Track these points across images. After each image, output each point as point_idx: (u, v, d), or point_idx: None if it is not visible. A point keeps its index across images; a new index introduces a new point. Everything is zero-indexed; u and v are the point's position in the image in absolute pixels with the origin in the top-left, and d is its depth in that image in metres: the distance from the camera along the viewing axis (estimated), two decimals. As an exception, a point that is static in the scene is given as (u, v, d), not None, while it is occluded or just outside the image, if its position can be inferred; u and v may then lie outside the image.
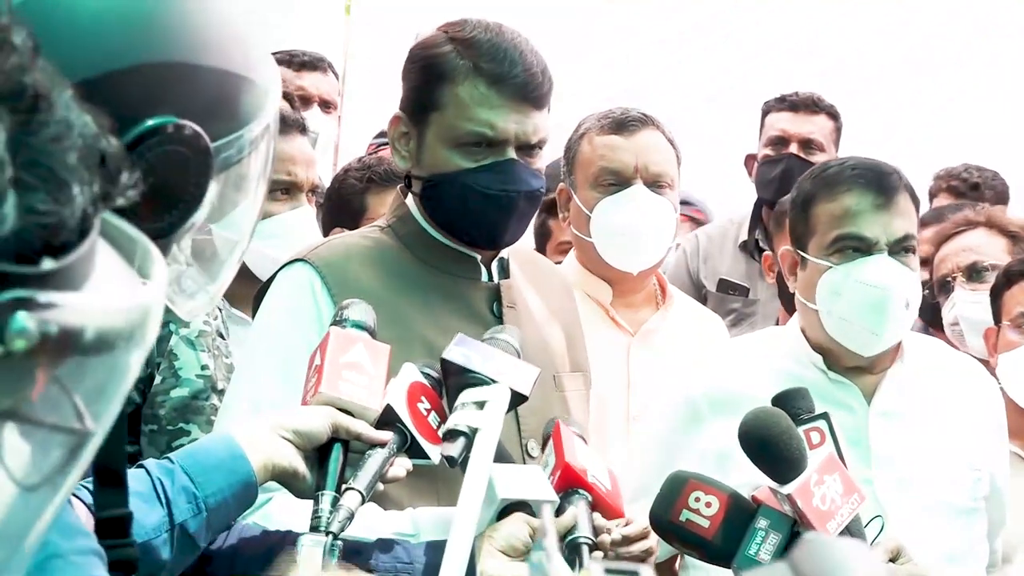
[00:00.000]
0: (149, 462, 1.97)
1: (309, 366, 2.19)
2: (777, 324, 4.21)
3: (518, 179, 2.55)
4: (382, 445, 2.10)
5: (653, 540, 2.44)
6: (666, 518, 2.38)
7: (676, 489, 2.38)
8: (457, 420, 2.12)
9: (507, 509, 2.19)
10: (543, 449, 2.33)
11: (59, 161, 0.95)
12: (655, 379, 3.40)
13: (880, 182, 2.87)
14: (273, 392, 2.47)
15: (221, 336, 2.95)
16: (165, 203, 1.40)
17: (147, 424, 2.85)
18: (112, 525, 1.53)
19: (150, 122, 1.37)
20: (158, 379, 2.84)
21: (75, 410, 0.97)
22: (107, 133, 0.99)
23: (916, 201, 2.95)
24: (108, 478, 1.52)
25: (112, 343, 0.96)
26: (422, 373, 2.23)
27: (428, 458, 2.16)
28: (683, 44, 6.64)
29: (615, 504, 2.28)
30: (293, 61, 5.00)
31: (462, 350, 2.20)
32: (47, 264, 0.93)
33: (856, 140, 5.13)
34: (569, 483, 2.22)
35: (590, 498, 2.22)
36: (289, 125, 3.39)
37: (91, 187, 0.97)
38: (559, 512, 2.19)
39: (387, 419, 2.14)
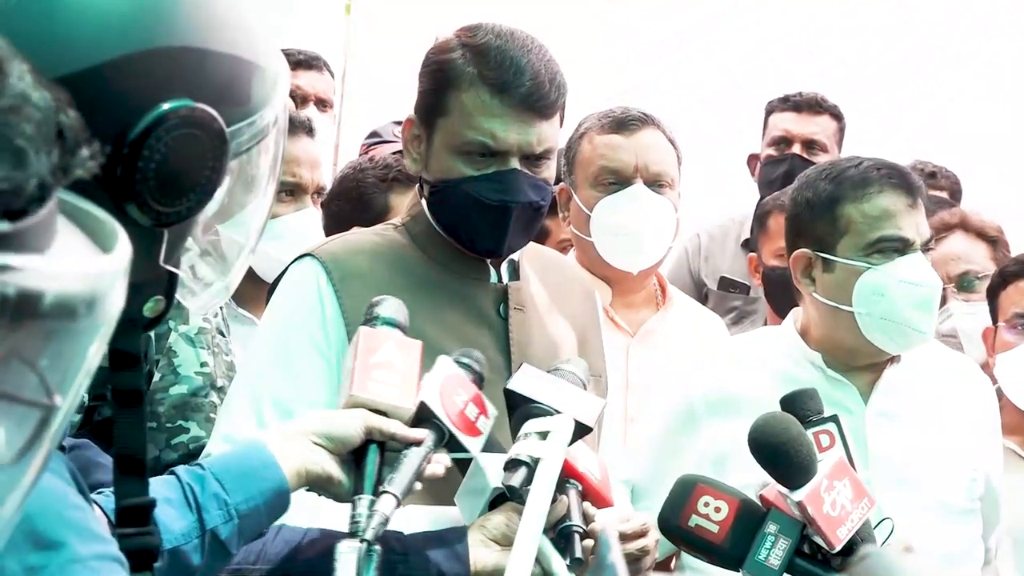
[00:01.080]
0: (180, 469, 1.97)
1: (343, 368, 2.18)
2: (765, 324, 4.20)
3: (518, 190, 2.53)
4: (418, 443, 2.09)
5: (650, 540, 2.43)
6: (675, 523, 2.37)
7: (685, 494, 2.38)
8: (519, 450, 2.11)
9: (499, 498, 2.18)
10: None
11: (15, 130, 0.95)
12: (654, 380, 3.39)
13: (908, 182, 2.90)
14: (274, 386, 2.47)
15: (221, 334, 2.94)
16: (183, 187, 1.40)
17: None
18: (133, 514, 1.52)
19: (166, 106, 1.37)
20: (157, 376, 2.83)
21: (41, 383, 0.97)
22: (65, 107, 1.00)
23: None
24: (128, 466, 1.51)
25: (72, 310, 0.96)
26: (458, 363, 2.22)
27: (467, 451, 2.15)
28: (683, 44, 6.63)
29: (605, 494, 2.28)
30: (288, 60, 4.97)
31: (526, 380, 2.20)
32: (3, 226, 0.93)
33: (856, 140, 5.13)
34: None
35: (580, 487, 2.22)
36: (296, 127, 3.38)
37: (49, 158, 0.97)
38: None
39: (422, 416, 2.12)
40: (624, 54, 6.54)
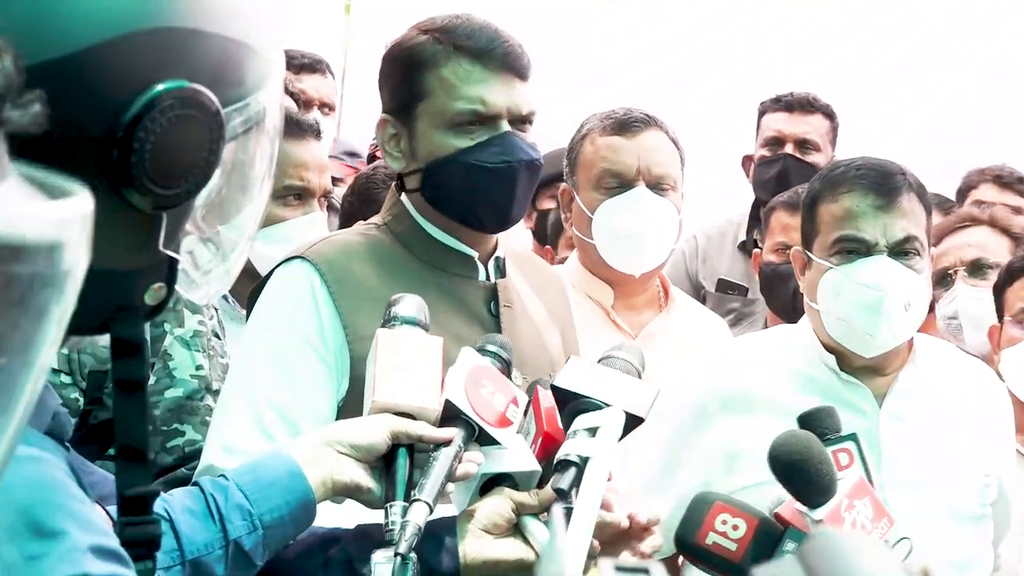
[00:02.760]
0: (203, 479, 1.95)
1: (366, 374, 2.13)
2: (766, 326, 4.19)
3: (517, 149, 2.54)
4: (447, 443, 2.05)
5: (658, 540, 2.39)
6: (692, 540, 2.34)
7: (702, 511, 2.34)
8: (568, 449, 2.05)
9: (488, 483, 2.14)
10: (524, 415, 2.24)
11: None
12: (656, 382, 3.38)
13: (882, 183, 2.86)
14: (272, 392, 2.45)
15: (217, 336, 2.93)
16: (180, 169, 1.38)
17: (142, 425, 2.83)
18: (135, 503, 1.50)
19: (160, 86, 1.35)
20: (152, 379, 2.81)
21: None
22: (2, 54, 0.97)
23: (926, 202, 2.92)
24: (130, 455, 1.49)
25: (14, 255, 0.90)
26: (482, 352, 2.17)
27: (499, 444, 2.10)
28: (683, 44, 6.63)
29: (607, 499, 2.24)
30: (292, 63, 4.99)
31: (573, 374, 2.14)
32: None
33: (856, 140, 5.12)
34: (551, 451, 2.14)
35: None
36: (304, 130, 3.37)
37: None
38: (542, 482, 2.13)
39: (450, 414, 2.07)
40: (624, 54, 6.53)
